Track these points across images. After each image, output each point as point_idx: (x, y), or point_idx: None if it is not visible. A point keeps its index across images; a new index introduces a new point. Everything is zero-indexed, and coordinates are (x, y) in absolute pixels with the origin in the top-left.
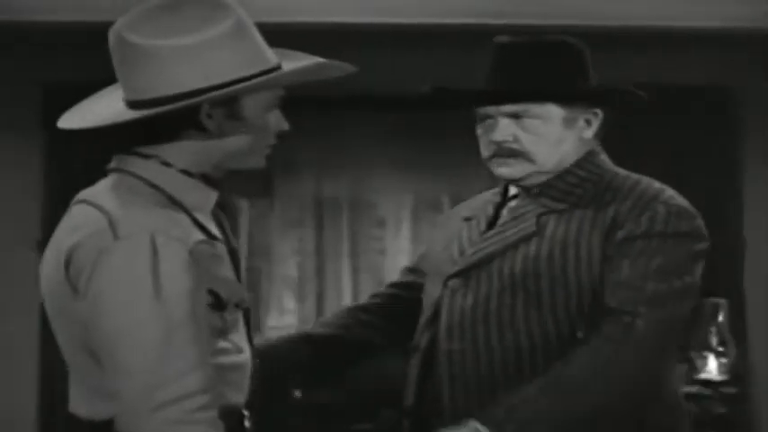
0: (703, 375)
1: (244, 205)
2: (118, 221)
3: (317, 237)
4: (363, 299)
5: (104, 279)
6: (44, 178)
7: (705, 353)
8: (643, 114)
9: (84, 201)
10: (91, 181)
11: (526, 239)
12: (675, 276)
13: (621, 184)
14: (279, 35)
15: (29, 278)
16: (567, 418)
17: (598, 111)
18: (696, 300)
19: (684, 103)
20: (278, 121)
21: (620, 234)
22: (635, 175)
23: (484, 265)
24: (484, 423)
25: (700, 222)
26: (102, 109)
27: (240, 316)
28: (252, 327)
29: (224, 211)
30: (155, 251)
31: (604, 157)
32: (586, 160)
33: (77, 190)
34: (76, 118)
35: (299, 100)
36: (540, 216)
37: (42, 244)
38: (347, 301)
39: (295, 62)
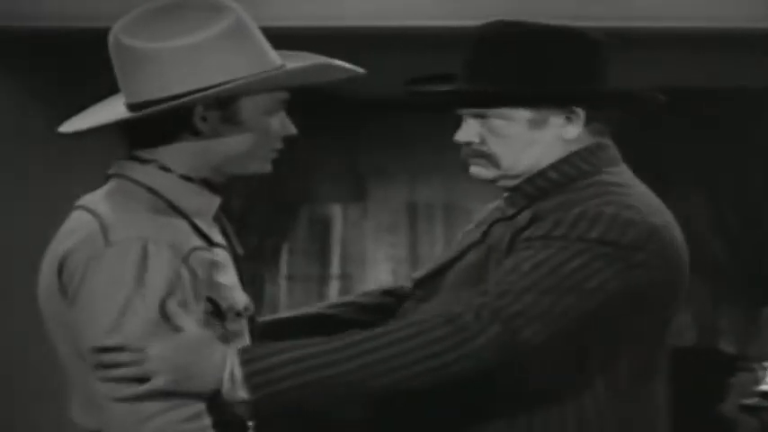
0: (763, 387)
1: (337, 211)
2: (109, 228)
3: (411, 243)
4: None
5: (93, 285)
6: None
7: (766, 363)
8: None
9: (81, 206)
10: None
11: (472, 248)
12: (562, 279)
13: (584, 187)
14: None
15: None
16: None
17: (576, 110)
18: (604, 312)
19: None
20: (283, 124)
21: (524, 235)
22: (612, 179)
23: (438, 276)
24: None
25: (631, 233)
26: (104, 112)
27: (245, 324)
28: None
29: (228, 216)
30: (145, 259)
31: (597, 157)
32: (567, 162)
33: None
34: (78, 121)
35: (392, 104)
36: (493, 223)
37: None
38: None
39: (299, 64)
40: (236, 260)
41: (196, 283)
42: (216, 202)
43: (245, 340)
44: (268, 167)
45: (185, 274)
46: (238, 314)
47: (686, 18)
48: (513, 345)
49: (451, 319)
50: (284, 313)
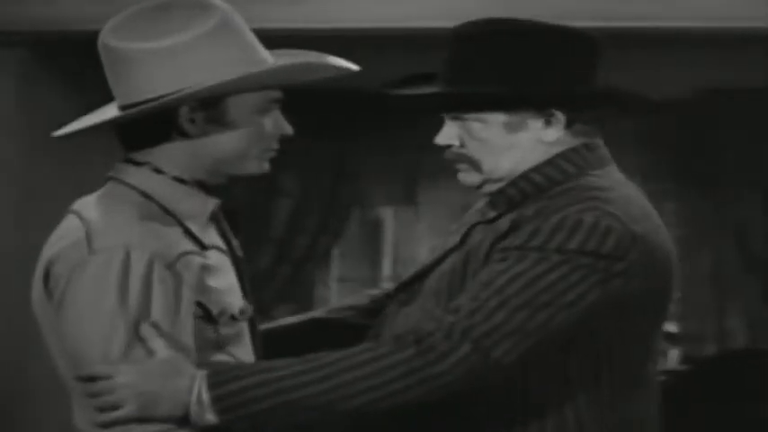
0: None
1: (388, 213)
2: (94, 234)
3: None
4: None
5: (75, 293)
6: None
7: None
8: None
9: (73, 210)
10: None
11: (451, 252)
12: (537, 294)
13: (565, 191)
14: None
15: None
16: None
17: (554, 112)
18: (584, 325)
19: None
20: (277, 124)
21: (502, 244)
22: (597, 182)
23: (417, 281)
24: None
25: (610, 242)
26: (99, 115)
27: (244, 328)
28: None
29: (231, 218)
30: (127, 269)
31: (583, 159)
32: (551, 164)
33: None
34: (75, 124)
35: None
36: (472, 227)
37: None
38: None
39: (286, 62)
40: (237, 263)
41: (182, 290)
42: (211, 203)
43: (244, 344)
44: (265, 167)
45: (169, 280)
46: (233, 318)
47: (736, 18)
48: (485, 365)
49: (419, 339)
50: (290, 319)
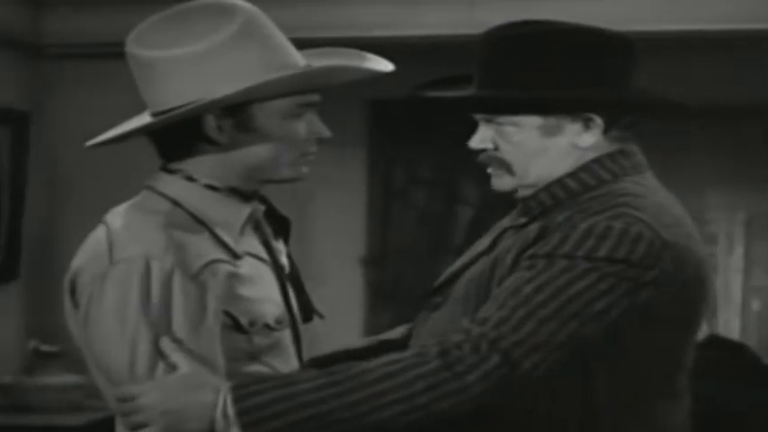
0: None
1: None
2: (116, 245)
3: None
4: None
5: (99, 308)
6: (367, 195)
7: None
8: None
9: (103, 220)
10: (410, 197)
11: (481, 256)
12: (565, 303)
13: (595, 197)
14: None
15: (356, 291)
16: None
17: (592, 116)
18: (612, 334)
19: None
20: (311, 127)
21: (529, 251)
22: (630, 189)
23: (448, 284)
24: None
25: (641, 249)
26: (131, 124)
27: (284, 337)
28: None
29: (279, 224)
30: (148, 278)
31: (619, 165)
32: (585, 169)
33: (397, 209)
34: (109, 132)
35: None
36: (503, 232)
37: (366, 260)
38: None
39: (318, 65)
40: (279, 271)
41: (206, 300)
42: (245, 211)
43: (284, 354)
44: (302, 172)
45: (193, 291)
46: (268, 327)
47: None
48: (513, 377)
49: (446, 350)
50: (360, 342)
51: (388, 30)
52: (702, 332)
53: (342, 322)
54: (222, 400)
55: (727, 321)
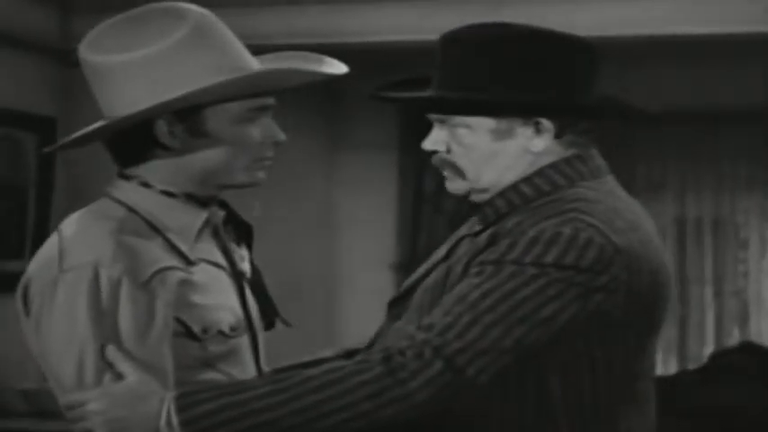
0: None
1: None
2: (66, 252)
3: (679, 257)
4: (727, 324)
5: (48, 316)
6: (397, 200)
7: None
8: None
9: (58, 227)
10: (439, 204)
11: (437, 265)
12: (512, 309)
13: (547, 203)
14: None
15: (385, 296)
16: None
17: (542, 120)
18: (562, 341)
19: None
20: (266, 131)
21: (479, 258)
22: (584, 194)
23: (408, 295)
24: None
25: (591, 255)
26: (85, 129)
27: (240, 344)
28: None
29: (242, 231)
30: (96, 287)
31: (574, 170)
32: (541, 174)
33: (427, 213)
34: (67, 138)
35: (662, 115)
36: (460, 240)
37: (396, 266)
38: (709, 328)
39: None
40: (237, 277)
41: (155, 307)
42: (201, 216)
43: (240, 361)
44: (259, 177)
45: (141, 298)
46: (223, 334)
47: None
48: (458, 383)
49: (389, 356)
50: (327, 351)
51: (408, 34)
52: (735, 337)
53: (371, 327)
54: (166, 409)
55: (760, 326)
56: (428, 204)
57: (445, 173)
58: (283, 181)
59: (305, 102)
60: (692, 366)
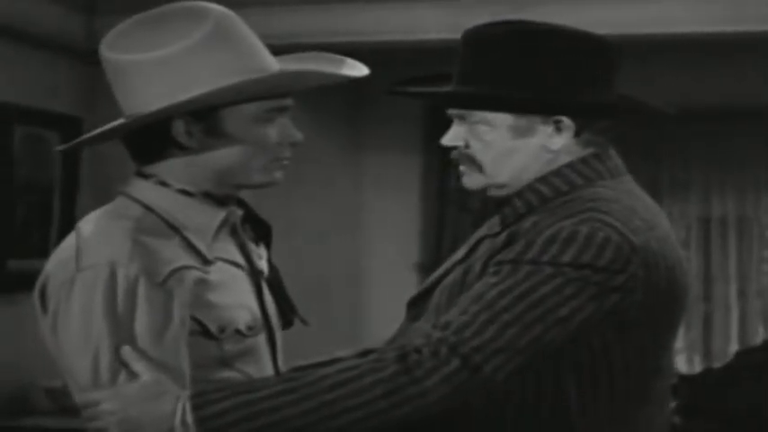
0: None
1: None
2: (82, 251)
3: (704, 258)
4: (751, 322)
5: (65, 315)
6: (422, 199)
7: None
8: None
9: (76, 226)
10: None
11: (457, 265)
12: (529, 308)
13: (564, 203)
14: None
15: (410, 295)
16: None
17: (562, 119)
18: (579, 340)
19: None
20: (284, 132)
21: (496, 258)
22: (602, 193)
23: (427, 295)
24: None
25: (608, 254)
26: (103, 127)
27: (257, 343)
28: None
29: (261, 229)
30: (112, 286)
31: (592, 169)
32: (558, 174)
33: (451, 213)
34: (85, 136)
35: (687, 114)
36: (479, 240)
37: (420, 265)
38: (734, 327)
39: (287, 68)
40: (255, 276)
41: (172, 307)
42: (219, 216)
43: (257, 360)
44: (276, 177)
45: (157, 298)
46: (240, 333)
47: None
48: (474, 381)
49: (404, 354)
50: (346, 351)
51: (434, 33)
52: (759, 336)
53: (396, 327)
54: (181, 409)
55: None
56: (452, 204)
57: (462, 168)
58: (309, 182)
59: (330, 103)
60: (717, 365)
